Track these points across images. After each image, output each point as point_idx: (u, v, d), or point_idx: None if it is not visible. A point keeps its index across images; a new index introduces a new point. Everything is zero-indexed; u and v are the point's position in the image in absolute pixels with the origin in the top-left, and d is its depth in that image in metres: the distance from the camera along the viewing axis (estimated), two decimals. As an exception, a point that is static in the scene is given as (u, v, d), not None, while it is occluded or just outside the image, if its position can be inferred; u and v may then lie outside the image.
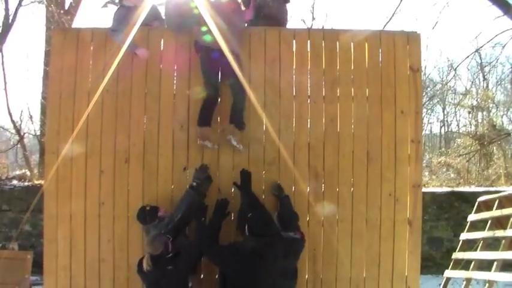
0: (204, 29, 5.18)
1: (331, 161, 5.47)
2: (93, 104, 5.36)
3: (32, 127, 14.36)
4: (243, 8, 5.59)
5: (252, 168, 5.27)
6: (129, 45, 5.28)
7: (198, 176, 5.12)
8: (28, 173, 11.84)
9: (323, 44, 5.61)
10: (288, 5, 6.09)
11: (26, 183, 10.50)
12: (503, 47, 15.49)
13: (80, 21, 14.43)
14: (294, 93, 5.54)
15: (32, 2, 14.32)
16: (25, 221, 9.06)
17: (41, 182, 9.56)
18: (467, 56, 16.80)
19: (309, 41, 5.62)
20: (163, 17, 5.87)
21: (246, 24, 5.65)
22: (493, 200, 7.95)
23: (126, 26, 5.21)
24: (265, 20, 5.70)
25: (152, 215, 5.01)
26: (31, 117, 14.27)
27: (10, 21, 13.89)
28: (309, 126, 5.53)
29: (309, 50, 5.62)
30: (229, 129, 5.32)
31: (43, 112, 12.24)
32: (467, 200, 9.84)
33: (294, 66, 5.58)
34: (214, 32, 5.09)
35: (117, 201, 5.41)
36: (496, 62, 19.28)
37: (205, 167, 5.22)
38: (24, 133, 14.33)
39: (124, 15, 5.32)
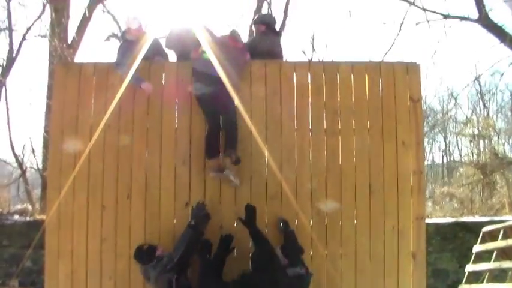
0: (203, 51, 5.29)
1: (333, 194, 5.44)
2: (95, 138, 5.37)
3: (34, 161, 14.32)
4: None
5: (254, 202, 5.22)
6: (135, 78, 5.35)
7: (195, 214, 5.07)
8: (30, 207, 11.78)
9: (323, 76, 5.64)
10: (280, 38, 6.17)
11: (28, 218, 10.42)
12: (502, 74, 15.61)
13: (83, 55, 14.57)
14: (295, 126, 5.55)
15: (35, 37, 14.49)
16: (27, 257, 8.96)
17: (43, 217, 9.48)
18: (467, 85, 16.91)
19: (309, 73, 5.66)
20: (166, 49, 5.96)
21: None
22: (498, 230, 7.89)
23: (129, 60, 5.28)
24: (261, 56, 5.77)
25: (150, 254, 4.94)
26: (33, 151, 14.22)
27: (14, 55, 14.06)
28: (310, 159, 5.52)
29: (309, 82, 5.65)
30: (226, 164, 5.32)
31: (45, 146, 12.24)
32: (472, 230, 9.72)
33: (295, 99, 5.60)
34: (215, 63, 5.17)
35: (119, 237, 5.39)
36: (496, 89, 19.41)
37: (202, 205, 5.18)
38: (27, 167, 14.29)
39: (127, 49, 5.40)
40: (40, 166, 13.50)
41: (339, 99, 5.61)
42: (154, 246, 5.02)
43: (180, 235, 4.95)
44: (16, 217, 10.47)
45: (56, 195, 5.40)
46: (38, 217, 10.19)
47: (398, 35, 14.59)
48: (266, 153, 5.44)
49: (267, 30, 6.02)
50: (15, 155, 13.87)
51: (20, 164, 13.93)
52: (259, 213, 5.17)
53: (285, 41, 15.37)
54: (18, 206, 12.14)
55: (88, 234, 5.39)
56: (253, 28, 6.28)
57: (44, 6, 14.19)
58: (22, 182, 14.03)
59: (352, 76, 5.65)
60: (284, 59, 6.35)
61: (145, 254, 4.96)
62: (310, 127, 5.57)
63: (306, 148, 5.52)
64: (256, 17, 6.50)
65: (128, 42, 5.51)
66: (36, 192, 13.77)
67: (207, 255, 4.93)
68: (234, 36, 5.62)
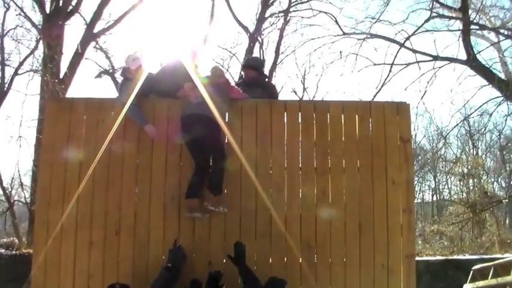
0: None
1: (323, 232, 5.43)
2: (87, 178, 5.37)
3: (22, 195, 14.21)
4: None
5: (243, 239, 5.22)
6: (139, 118, 5.47)
7: (172, 256, 5.00)
8: (16, 241, 11.63)
9: (314, 115, 5.70)
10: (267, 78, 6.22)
11: (14, 252, 10.29)
12: (491, 115, 15.81)
13: (74, 90, 14.61)
14: (286, 165, 5.58)
15: (27, 71, 14.53)
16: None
17: (30, 251, 9.37)
18: (457, 125, 17.14)
19: (300, 112, 5.71)
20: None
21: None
22: (488, 268, 7.91)
23: (130, 97, 5.35)
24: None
25: None
26: (22, 184, 14.16)
27: (5, 89, 14.08)
28: (300, 197, 5.52)
29: (300, 121, 5.69)
30: (205, 196, 5.35)
31: (34, 180, 12.16)
32: (462, 268, 9.74)
33: (286, 138, 5.64)
34: (204, 96, 5.25)
35: (106, 274, 5.30)
36: (485, 129, 19.64)
37: (179, 247, 5.11)
38: (14, 200, 14.18)
39: (128, 87, 5.47)
40: (28, 200, 13.40)
41: (329, 138, 5.64)
42: (126, 286, 4.80)
43: (157, 277, 4.82)
44: (2, 251, 10.34)
45: (44, 230, 5.36)
46: (25, 251, 10.07)
47: (388, 75, 14.71)
48: (256, 191, 5.43)
49: (256, 75, 6.14)
50: (3, 188, 13.76)
51: (8, 197, 13.81)
52: (249, 251, 5.15)
53: (276, 81, 15.56)
54: (5, 240, 11.99)
55: (75, 270, 5.32)
56: (242, 72, 6.31)
57: (38, 41, 14.32)
58: (9, 216, 13.88)
59: (342, 115, 5.70)
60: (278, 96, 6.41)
61: None
62: (300, 165, 5.59)
63: (296, 186, 5.54)
64: (245, 61, 6.54)
65: (129, 80, 5.59)
66: (24, 226, 13.63)
67: None
68: (216, 72, 5.68)
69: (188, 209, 5.30)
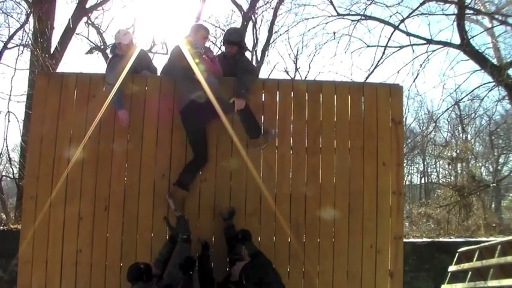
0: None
1: (312, 212, 5.45)
2: (74, 149, 5.33)
3: (10, 170, 14.14)
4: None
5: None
6: (116, 101, 5.36)
7: (184, 228, 4.98)
8: (4, 216, 11.58)
9: (306, 95, 5.67)
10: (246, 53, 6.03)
11: (1, 227, 10.24)
12: (482, 100, 15.85)
13: (65, 66, 14.42)
14: (277, 144, 5.56)
15: (17, 45, 14.31)
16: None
17: (17, 226, 9.34)
18: (447, 109, 17.16)
19: (292, 92, 5.68)
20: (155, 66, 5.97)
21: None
22: (474, 250, 7.99)
23: (119, 77, 5.28)
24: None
25: (148, 273, 4.53)
26: (10, 159, 14.06)
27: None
28: (291, 177, 5.53)
29: (292, 100, 5.66)
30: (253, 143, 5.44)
31: (22, 155, 12.07)
32: (448, 250, 9.82)
33: (277, 117, 5.61)
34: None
35: (95, 249, 5.32)
36: (475, 114, 19.72)
37: (183, 217, 5.10)
38: (2, 176, 14.09)
39: (117, 64, 5.39)
40: (16, 175, 13.31)
41: (321, 118, 5.63)
42: (149, 265, 4.65)
43: (178, 250, 4.78)
44: (-11, 227, 10.29)
45: (32, 205, 5.34)
46: (12, 227, 10.03)
47: (381, 57, 14.61)
48: (247, 169, 5.43)
49: (238, 51, 5.77)
50: (-10, 163, 13.67)
51: (-5, 173, 13.73)
52: (238, 230, 5.17)
53: (268, 60, 15.43)
54: (-8, 215, 11.93)
55: (64, 245, 5.32)
56: (223, 46, 6.04)
57: (28, 15, 14.08)
58: (-3, 191, 13.81)
59: (335, 96, 5.68)
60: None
61: (144, 273, 4.51)
62: (291, 145, 5.58)
63: (287, 166, 5.53)
64: (226, 34, 5.93)
65: (118, 57, 5.51)
66: (11, 202, 13.57)
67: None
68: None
69: (169, 194, 5.29)
